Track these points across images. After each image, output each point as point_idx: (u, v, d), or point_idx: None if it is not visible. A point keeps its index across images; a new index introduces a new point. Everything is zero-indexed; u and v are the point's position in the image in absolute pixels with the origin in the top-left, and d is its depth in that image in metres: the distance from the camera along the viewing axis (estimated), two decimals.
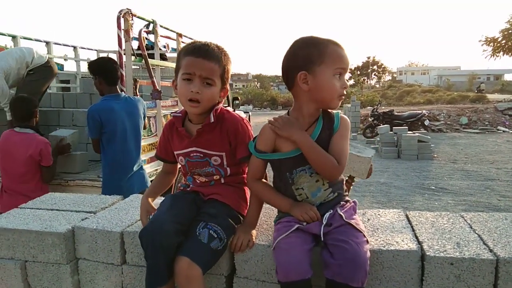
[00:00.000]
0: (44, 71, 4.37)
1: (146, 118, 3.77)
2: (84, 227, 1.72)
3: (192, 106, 1.55)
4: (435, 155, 10.22)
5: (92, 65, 3.44)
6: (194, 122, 1.64)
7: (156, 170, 4.46)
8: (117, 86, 3.39)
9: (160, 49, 4.91)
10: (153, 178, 4.22)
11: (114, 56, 5.63)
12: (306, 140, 1.45)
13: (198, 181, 1.69)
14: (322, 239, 1.39)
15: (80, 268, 1.75)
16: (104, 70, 3.29)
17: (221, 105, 1.64)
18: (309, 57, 1.44)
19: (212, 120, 1.57)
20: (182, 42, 5.31)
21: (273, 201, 1.58)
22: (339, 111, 1.60)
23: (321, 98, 1.47)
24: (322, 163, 1.45)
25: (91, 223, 1.75)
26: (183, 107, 1.65)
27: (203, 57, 1.51)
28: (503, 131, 15.49)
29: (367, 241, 1.38)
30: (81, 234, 1.72)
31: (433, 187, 7.10)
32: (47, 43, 5.86)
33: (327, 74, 1.44)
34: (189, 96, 1.53)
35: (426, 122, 14.36)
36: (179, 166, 1.78)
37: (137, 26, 4.28)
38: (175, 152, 1.69)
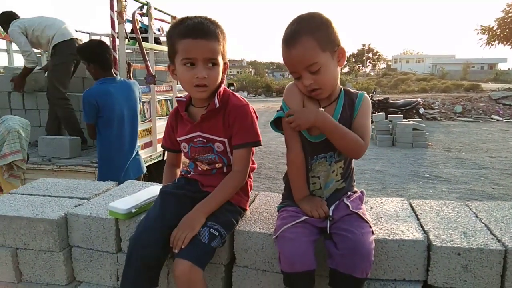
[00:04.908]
0: (66, 49, 4.28)
1: (141, 103, 3.67)
2: (78, 213, 1.66)
3: (200, 92, 1.46)
4: (430, 143, 10.23)
5: (82, 51, 3.18)
6: (197, 105, 1.56)
7: (151, 156, 4.40)
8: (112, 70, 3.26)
9: (154, 32, 4.80)
10: (148, 164, 4.16)
11: (106, 39, 5.51)
12: (328, 120, 1.38)
13: (200, 169, 1.61)
14: (328, 231, 1.33)
15: (74, 256, 1.69)
16: (97, 55, 3.07)
17: (223, 86, 1.53)
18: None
19: (217, 105, 1.48)
20: None
21: (297, 183, 1.47)
22: (364, 92, 1.54)
23: None
24: (347, 141, 1.39)
25: (84, 210, 1.69)
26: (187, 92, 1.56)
27: (202, 38, 1.39)
28: (497, 120, 15.55)
29: (373, 232, 1.34)
30: (74, 221, 1.67)
31: (428, 175, 7.10)
32: None
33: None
34: (195, 82, 1.43)
35: (421, 110, 14.36)
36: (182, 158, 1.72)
37: (131, 8, 4.18)
38: (178, 139, 1.61)
